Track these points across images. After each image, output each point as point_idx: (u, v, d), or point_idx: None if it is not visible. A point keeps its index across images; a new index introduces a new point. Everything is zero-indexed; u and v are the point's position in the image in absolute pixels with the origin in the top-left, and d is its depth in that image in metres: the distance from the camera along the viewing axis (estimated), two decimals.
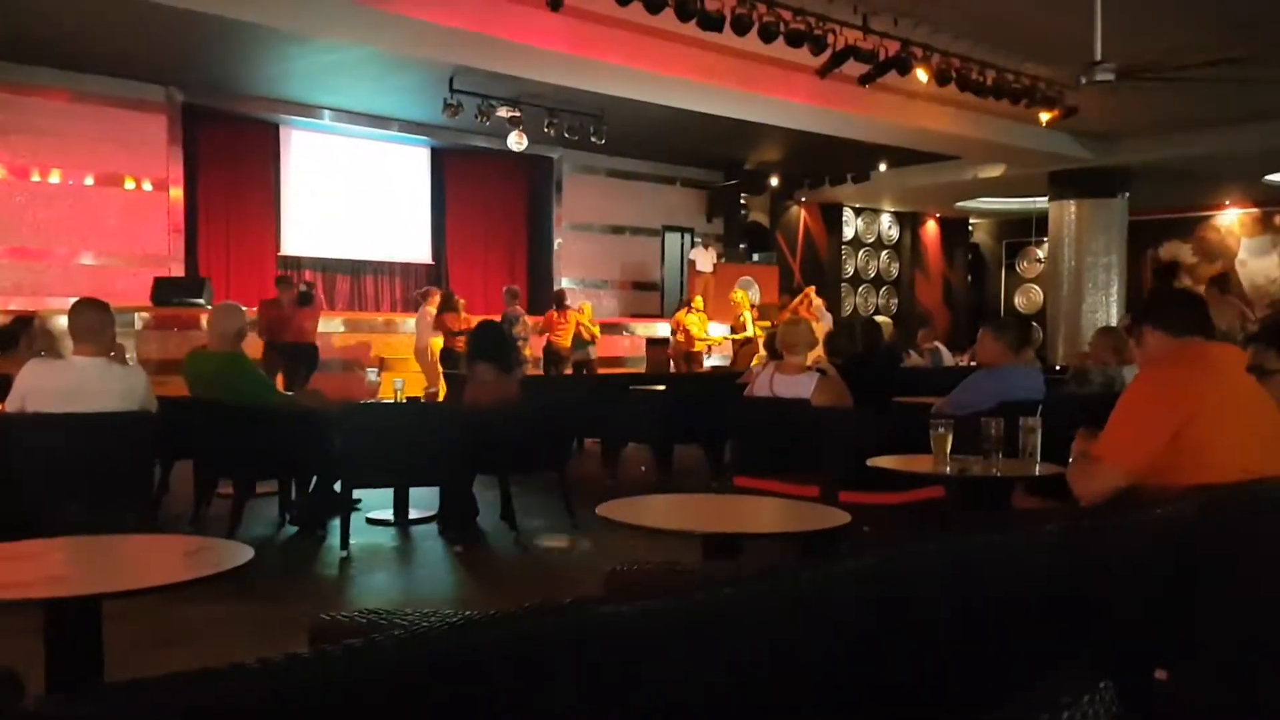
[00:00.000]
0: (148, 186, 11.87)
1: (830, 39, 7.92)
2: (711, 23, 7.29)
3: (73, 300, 4.68)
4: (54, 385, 4.30)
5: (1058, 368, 10.58)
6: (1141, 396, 2.58)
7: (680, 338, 13.04)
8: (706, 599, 1.26)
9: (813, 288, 13.61)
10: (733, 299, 13.48)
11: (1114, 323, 11.90)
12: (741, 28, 7.46)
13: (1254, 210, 17.58)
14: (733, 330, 13.42)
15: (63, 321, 4.56)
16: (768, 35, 7.60)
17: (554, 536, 5.73)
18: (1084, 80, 7.73)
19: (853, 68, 8.47)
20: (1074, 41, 7.73)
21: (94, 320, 4.39)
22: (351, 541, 5.30)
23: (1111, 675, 1.20)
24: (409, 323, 12.05)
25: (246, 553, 2.41)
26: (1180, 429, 2.43)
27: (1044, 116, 9.67)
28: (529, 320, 12.01)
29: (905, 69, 8.49)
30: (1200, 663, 2.14)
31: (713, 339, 13.39)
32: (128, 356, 6.54)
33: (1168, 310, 2.72)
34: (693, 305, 13.30)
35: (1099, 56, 7.38)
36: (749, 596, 1.30)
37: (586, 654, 1.11)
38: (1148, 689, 2.04)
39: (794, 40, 7.73)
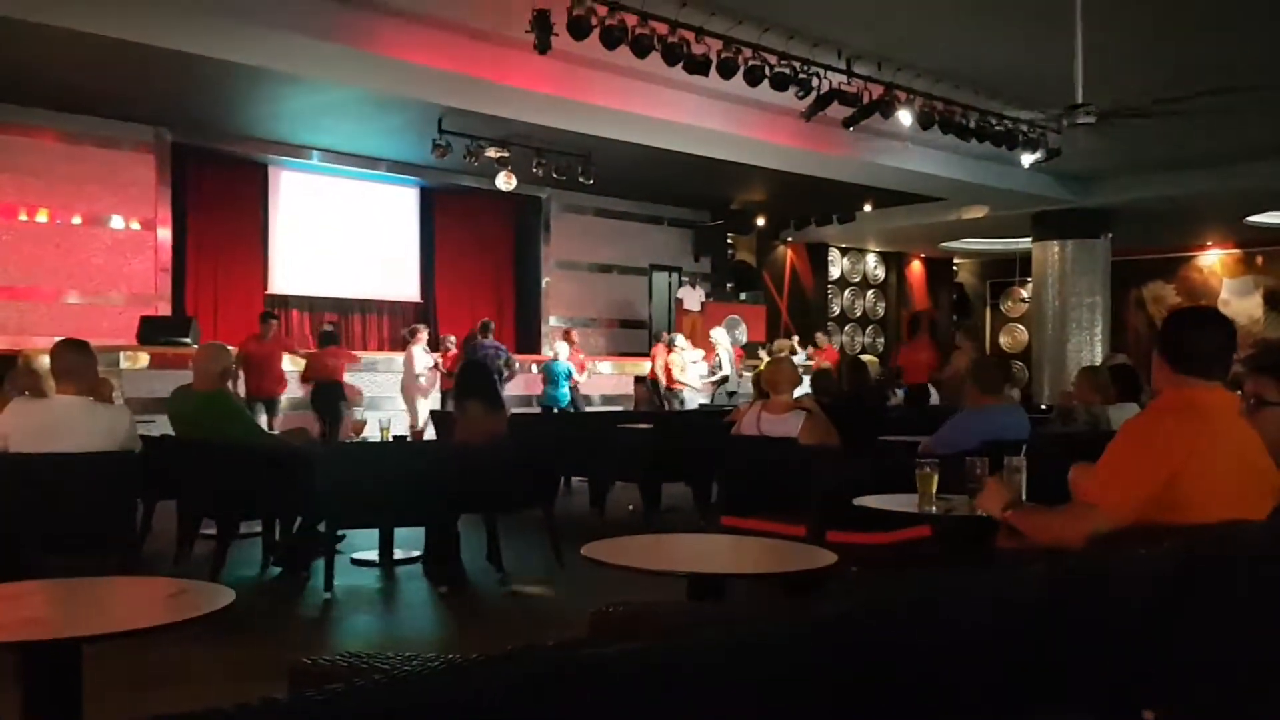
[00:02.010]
0: (135, 226, 11.87)
1: (815, 82, 8.03)
2: (698, 66, 7.37)
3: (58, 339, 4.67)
4: (36, 425, 4.28)
5: (1043, 407, 10.61)
6: (1134, 445, 2.56)
7: (659, 374, 12.96)
8: (692, 641, 1.26)
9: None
10: (709, 338, 13.48)
11: (1098, 362, 11.97)
12: (727, 71, 7.54)
13: (1235, 251, 17.80)
14: (711, 372, 13.37)
15: (47, 361, 4.57)
16: (753, 79, 7.69)
17: (525, 585, 5.63)
18: (1066, 123, 7.83)
19: (837, 110, 8.58)
20: (1055, 85, 7.84)
21: (75, 360, 4.39)
22: (335, 583, 5.23)
23: (1097, 716, 1.20)
24: (397, 360, 12.03)
25: (227, 595, 2.40)
26: (1171, 479, 2.42)
27: (1025, 159, 9.79)
28: (511, 356, 12.07)
29: (888, 112, 8.60)
30: (1187, 703, 2.13)
31: (690, 383, 13.19)
32: (115, 395, 6.52)
33: (1166, 339, 2.58)
34: (675, 344, 13.19)
35: (1080, 99, 7.49)
36: (734, 639, 1.30)
37: (571, 697, 1.11)
38: None
39: (779, 84, 7.83)
